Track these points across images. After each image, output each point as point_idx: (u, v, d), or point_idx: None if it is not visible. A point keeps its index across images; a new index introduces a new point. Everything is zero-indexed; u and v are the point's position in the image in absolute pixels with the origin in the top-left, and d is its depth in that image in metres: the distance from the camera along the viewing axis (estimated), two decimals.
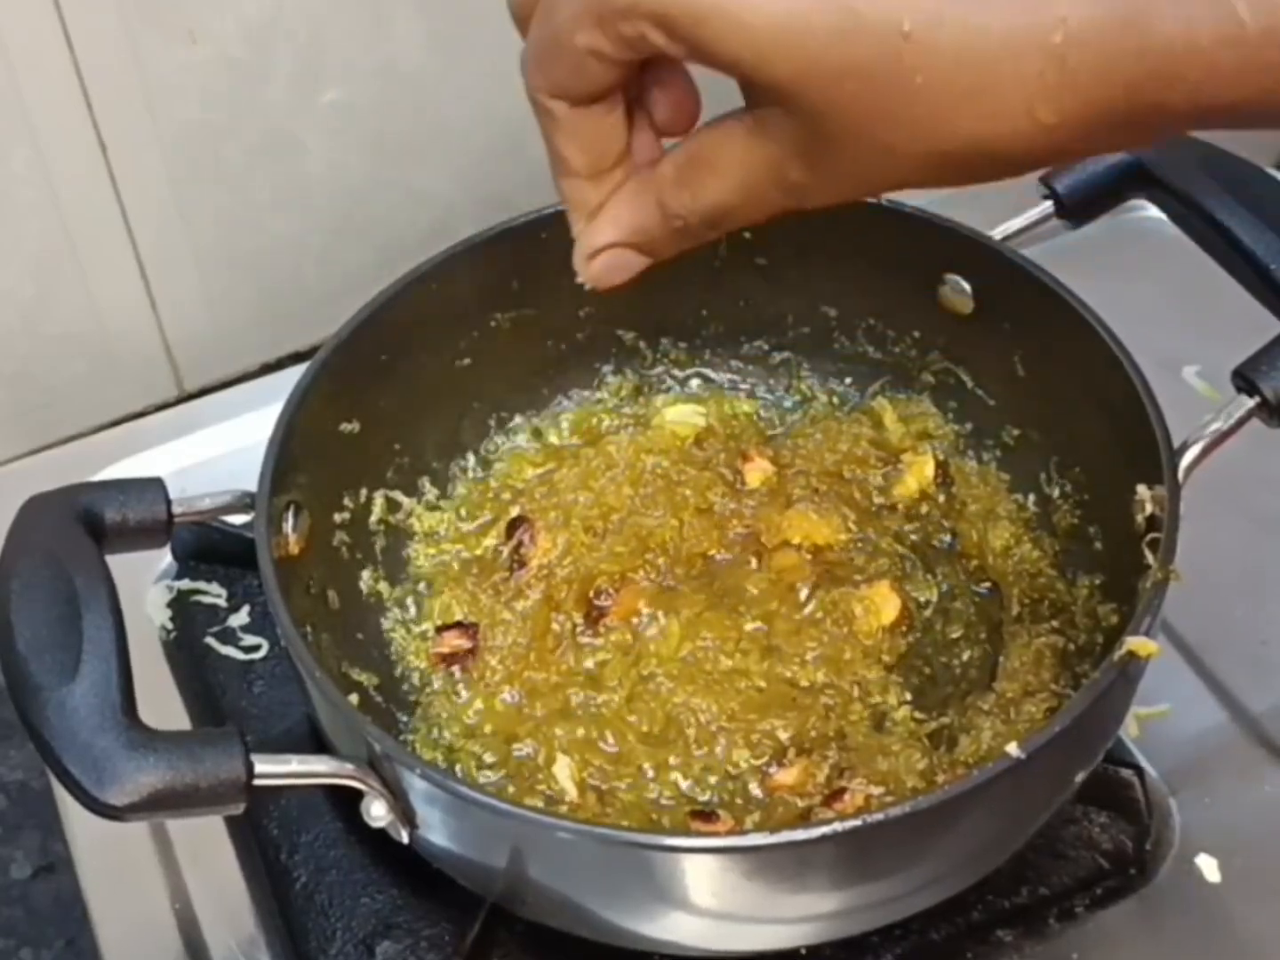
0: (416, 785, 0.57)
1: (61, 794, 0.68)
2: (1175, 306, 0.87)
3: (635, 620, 0.73)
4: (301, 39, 0.87)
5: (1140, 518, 0.65)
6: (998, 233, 0.74)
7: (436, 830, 0.59)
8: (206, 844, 0.71)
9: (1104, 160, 0.74)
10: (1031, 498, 0.75)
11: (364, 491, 0.74)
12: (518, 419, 0.81)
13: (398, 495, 0.76)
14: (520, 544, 0.75)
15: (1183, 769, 0.71)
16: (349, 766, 0.58)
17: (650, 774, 0.68)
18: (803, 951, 0.64)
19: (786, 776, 0.68)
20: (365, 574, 0.74)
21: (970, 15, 0.41)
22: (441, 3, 0.89)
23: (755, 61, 0.43)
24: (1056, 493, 0.74)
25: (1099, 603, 0.69)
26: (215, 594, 0.80)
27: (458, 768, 0.69)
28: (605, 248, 0.51)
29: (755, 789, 0.68)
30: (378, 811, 0.59)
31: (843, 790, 0.66)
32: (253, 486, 0.65)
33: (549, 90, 0.47)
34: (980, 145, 0.43)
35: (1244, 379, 0.66)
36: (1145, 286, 0.88)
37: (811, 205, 0.47)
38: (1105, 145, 0.45)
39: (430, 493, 0.78)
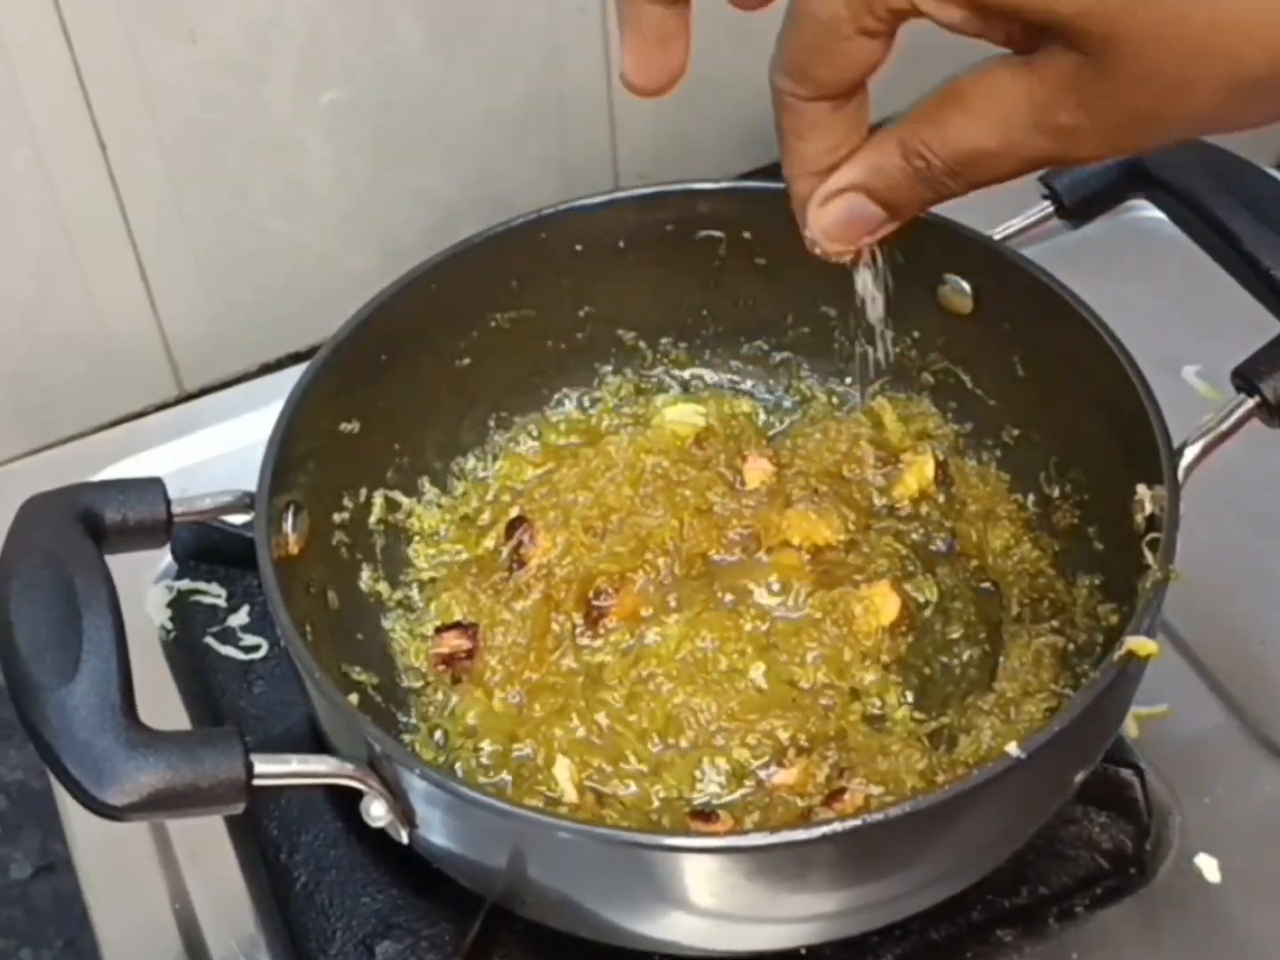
0: (416, 785, 0.57)
1: (61, 794, 0.68)
2: (1175, 306, 0.87)
3: (635, 620, 0.73)
4: (301, 39, 0.87)
5: (1140, 518, 0.65)
6: (997, 233, 0.74)
7: (436, 830, 0.59)
8: (206, 844, 0.71)
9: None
10: (1031, 498, 0.75)
11: (364, 491, 0.75)
12: (517, 419, 0.81)
13: (397, 495, 0.76)
14: (520, 544, 0.75)
15: (1183, 769, 0.71)
16: (349, 766, 0.58)
17: (650, 774, 0.68)
18: (803, 951, 0.64)
19: (786, 776, 0.68)
20: (365, 574, 0.74)
21: None
22: (441, 3, 0.89)
23: (1039, 1, 0.41)
24: (1056, 493, 0.74)
25: (1099, 603, 0.69)
26: (215, 594, 0.80)
27: (457, 767, 0.69)
28: (840, 191, 0.49)
29: (755, 789, 0.68)
30: (377, 811, 0.59)
31: (842, 790, 0.66)
32: (252, 486, 0.65)
33: (814, 92, 0.46)
34: None
35: (1244, 379, 0.66)
36: (1145, 286, 0.88)
37: (1078, 155, 0.44)
38: None
39: (430, 493, 0.78)
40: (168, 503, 0.64)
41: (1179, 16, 0.40)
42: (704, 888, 0.57)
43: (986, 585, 0.74)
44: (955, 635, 0.73)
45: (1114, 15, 0.40)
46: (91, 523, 0.62)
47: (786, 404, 0.82)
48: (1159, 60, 0.41)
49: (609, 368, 0.82)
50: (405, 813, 0.59)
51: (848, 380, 0.81)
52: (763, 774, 0.68)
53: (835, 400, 0.81)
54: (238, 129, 0.88)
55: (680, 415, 0.81)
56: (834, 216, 0.49)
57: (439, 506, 0.78)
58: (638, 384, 0.82)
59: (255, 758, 0.55)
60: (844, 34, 0.44)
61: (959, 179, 0.46)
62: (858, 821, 0.54)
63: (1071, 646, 0.70)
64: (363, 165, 0.93)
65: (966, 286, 0.74)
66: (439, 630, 0.73)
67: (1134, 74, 0.41)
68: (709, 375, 0.83)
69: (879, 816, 0.54)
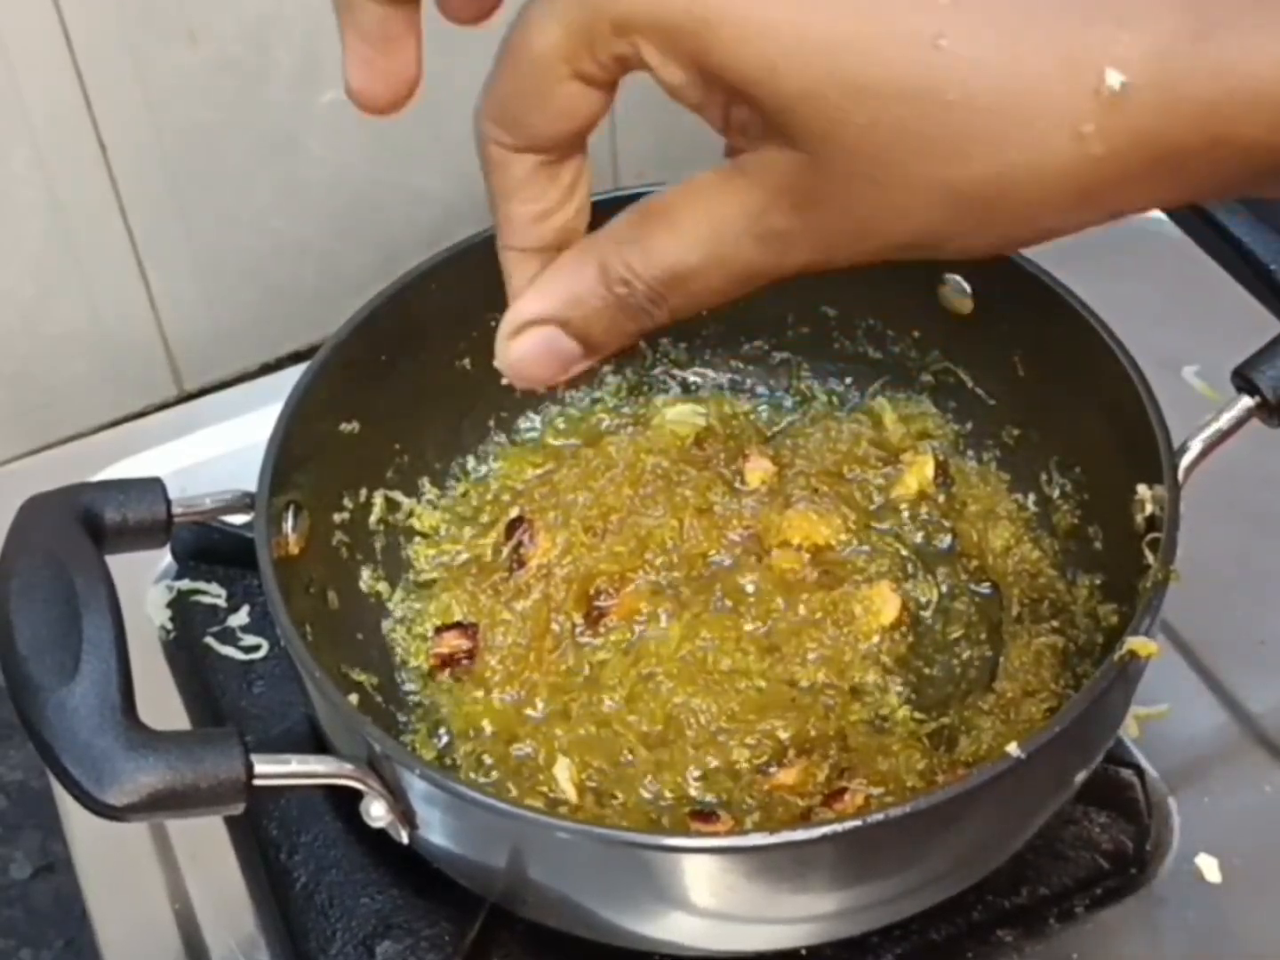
0: (416, 785, 0.57)
1: (61, 794, 0.68)
2: (1175, 306, 0.87)
3: (635, 620, 0.73)
4: (301, 39, 0.86)
5: (1140, 518, 0.65)
6: None
7: (436, 830, 0.59)
8: (206, 844, 0.71)
9: None
10: (1031, 498, 0.75)
11: (364, 491, 0.74)
12: (518, 419, 0.81)
13: (398, 495, 0.76)
14: (520, 544, 0.75)
15: (1183, 769, 0.71)
16: (348, 766, 0.58)
17: (650, 774, 0.68)
18: (803, 952, 0.64)
19: (786, 776, 0.68)
20: (365, 574, 0.74)
21: (1013, 31, 0.36)
22: None
23: (763, 75, 0.37)
24: (1056, 493, 0.74)
25: (1099, 603, 0.69)
26: (215, 594, 0.80)
27: (458, 760, 0.69)
28: (530, 323, 0.43)
29: (755, 789, 0.68)
30: (377, 812, 0.59)
31: (843, 790, 0.66)
32: (252, 486, 0.65)
33: (521, 142, 0.42)
34: (1012, 178, 0.37)
35: (1244, 379, 0.66)
36: (1145, 286, 0.87)
37: (790, 264, 0.40)
38: (1156, 194, 0.38)
39: (430, 493, 0.78)
40: (168, 503, 0.64)
41: (908, 109, 0.36)
42: (704, 888, 0.57)
43: (987, 585, 0.74)
44: (955, 635, 0.73)
45: (838, 102, 0.36)
46: (91, 523, 0.62)
47: (787, 404, 0.82)
48: (880, 157, 0.37)
49: (608, 367, 0.82)
50: (405, 813, 0.59)
51: (848, 380, 0.81)
52: (763, 774, 0.68)
53: (835, 400, 0.81)
54: (238, 129, 0.88)
55: (680, 415, 0.81)
56: (523, 350, 0.44)
57: (439, 506, 0.78)
58: (637, 384, 0.82)
59: (255, 758, 0.55)
60: (559, 75, 0.40)
61: (663, 305, 0.42)
62: (858, 822, 0.54)
63: (1072, 647, 0.70)
64: (362, 165, 0.93)
65: (967, 286, 0.74)
66: (439, 630, 0.73)
67: (850, 173, 0.38)
68: (709, 375, 0.83)
69: (879, 817, 0.54)
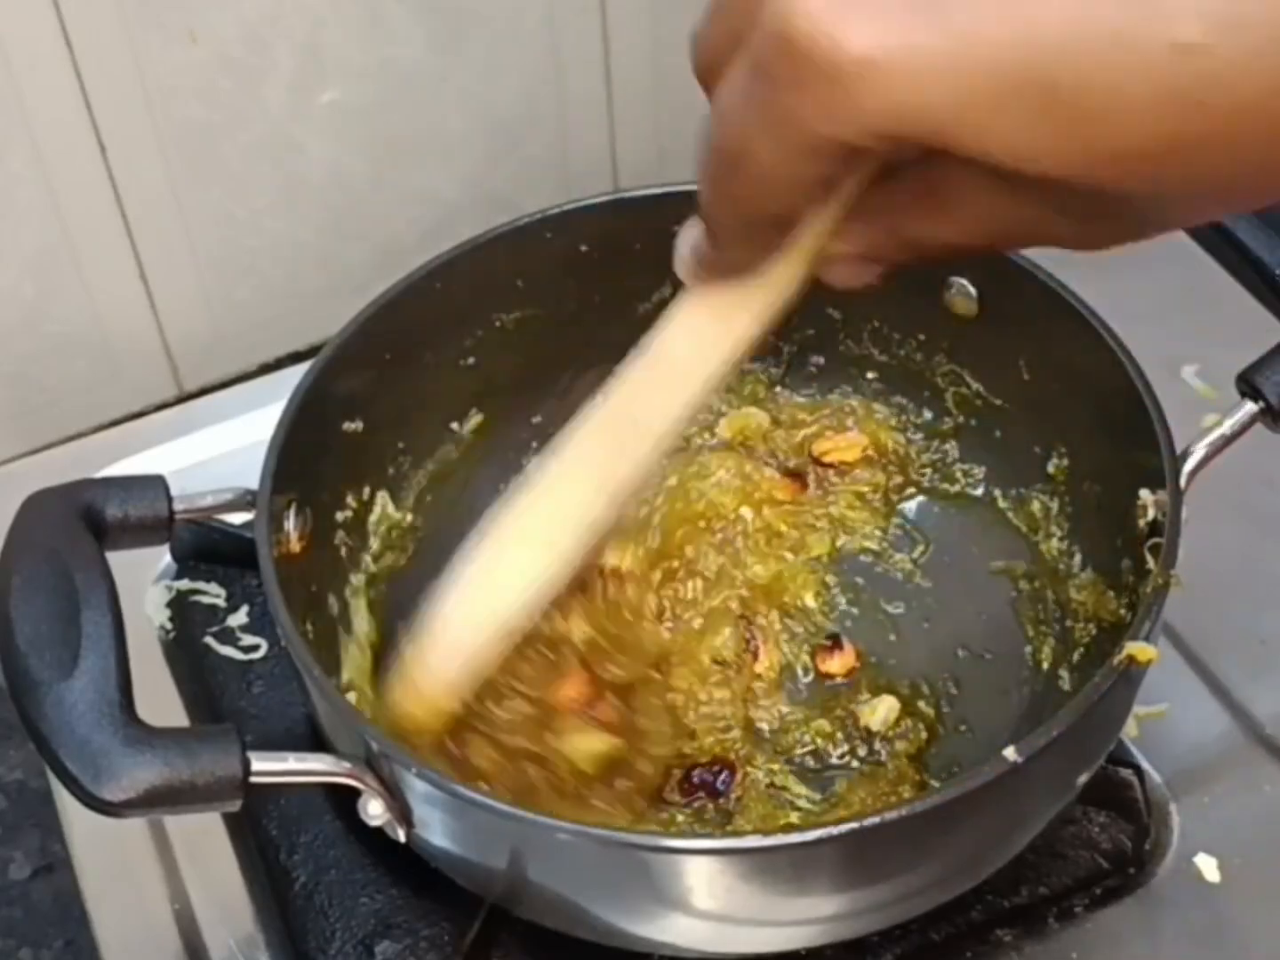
0: (414, 785, 0.57)
1: (61, 794, 0.68)
2: (1175, 306, 0.87)
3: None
4: (301, 39, 0.87)
5: (1143, 522, 0.65)
6: None
7: (434, 830, 0.59)
8: (206, 844, 0.71)
9: None
10: (1034, 499, 0.75)
11: (366, 490, 0.74)
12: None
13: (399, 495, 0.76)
14: None
15: (1182, 769, 0.71)
16: (346, 765, 0.58)
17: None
18: (802, 953, 0.64)
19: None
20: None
21: None
22: (441, 3, 0.89)
23: (1029, 160, 0.39)
24: (1059, 493, 0.74)
25: (1100, 605, 0.69)
26: (214, 594, 0.80)
27: None
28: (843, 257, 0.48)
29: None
30: (375, 810, 0.59)
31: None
32: (253, 486, 0.65)
33: (735, 214, 0.45)
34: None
35: (1248, 384, 0.66)
36: (1145, 286, 0.87)
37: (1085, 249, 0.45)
38: (1236, 160, 0.39)
39: None
40: (169, 500, 0.64)
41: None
42: (702, 889, 0.57)
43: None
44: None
45: (1129, 178, 0.39)
46: (93, 519, 0.62)
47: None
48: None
49: (615, 368, 0.82)
50: (403, 812, 0.59)
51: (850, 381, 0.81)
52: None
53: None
54: (237, 129, 0.88)
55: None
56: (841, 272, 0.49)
57: None
58: None
59: (252, 755, 0.55)
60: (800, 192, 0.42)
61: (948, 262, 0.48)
62: (854, 825, 0.54)
63: (1074, 649, 0.70)
64: (362, 165, 0.93)
65: (972, 290, 0.74)
66: None
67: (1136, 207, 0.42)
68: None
69: (875, 820, 0.54)
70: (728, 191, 0.44)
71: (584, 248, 0.76)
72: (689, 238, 0.49)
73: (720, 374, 0.54)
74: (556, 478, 0.58)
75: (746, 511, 0.77)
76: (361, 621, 0.72)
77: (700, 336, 0.54)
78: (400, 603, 0.75)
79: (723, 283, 0.50)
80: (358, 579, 0.73)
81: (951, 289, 0.75)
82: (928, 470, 0.79)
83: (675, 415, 0.56)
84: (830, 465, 0.79)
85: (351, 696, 0.65)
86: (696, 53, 0.44)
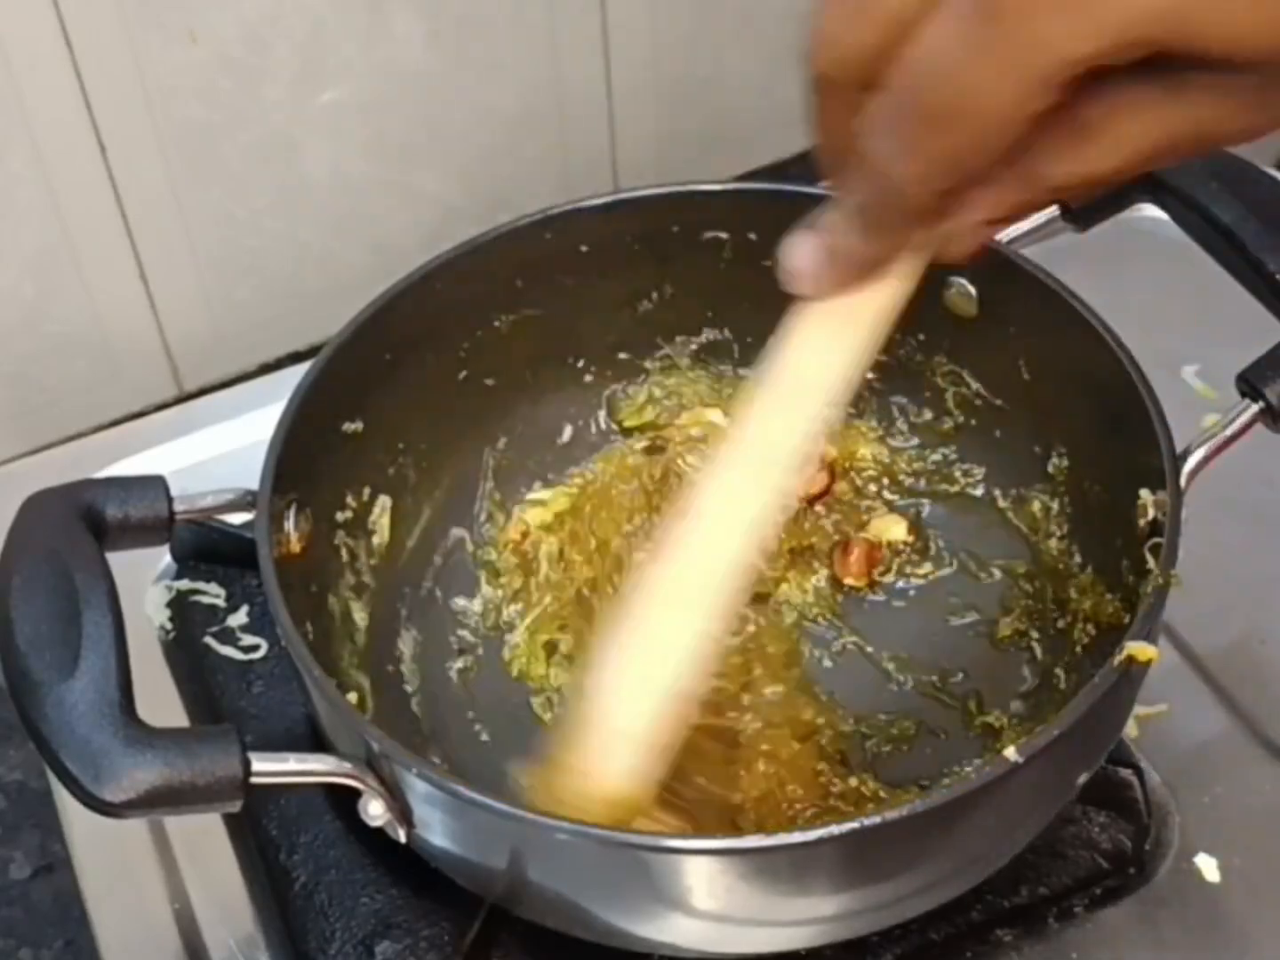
0: (414, 785, 0.57)
1: (61, 794, 0.68)
2: (1175, 306, 0.87)
3: None
4: (301, 39, 0.87)
5: (1143, 522, 0.65)
6: (1003, 235, 0.74)
7: (434, 830, 0.59)
8: (206, 844, 0.71)
9: None
10: (1034, 499, 0.75)
11: (366, 491, 0.74)
12: None
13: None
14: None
15: (1182, 769, 0.71)
16: (346, 765, 0.58)
17: None
18: (802, 953, 0.64)
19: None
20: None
21: None
22: (441, 3, 0.89)
23: (1243, 41, 0.39)
24: (1059, 494, 0.74)
25: (1099, 605, 0.69)
26: (214, 594, 0.79)
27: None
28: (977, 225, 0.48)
29: None
30: (375, 810, 0.59)
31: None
32: (253, 486, 0.65)
33: (941, 176, 0.44)
34: None
35: (1248, 384, 0.66)
36: (1145, 286, 0.87)
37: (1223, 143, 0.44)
38: None
39: None
40: (169, 500, 0.64)
41: None
42: (702, 889, 0.57)
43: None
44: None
45: None
46: (93, 520, 0.62)
47: None
48: None
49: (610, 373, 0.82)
50: (403, 812, 0.59)
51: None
52: None
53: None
54: (237, 129, 0.88)
55: (697, 419, 0.81)
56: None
57: None
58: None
59: (252, 755, 0.55)
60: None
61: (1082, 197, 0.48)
62: (854, 825, 0.54)
63: (1074, 649, 0.70)
64: (362, 165, 0.93)
65: (972, 290, 0.74)
66: None
67: None
68: (715, 376, 0.82)
69: (875, 820, 0.54)
70: (936, 153, 0.43)
71: (584, 248, 0.76)
72: (806, 247, 0.49)
73: (850, 385, 0.53)
74: (698, 524, 0.55)
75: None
76: (362, 621, 0.72)
77: (827, 350, 0.53)
78: (400, 602, 0.75)
79: (853, 288, 0.50)
80: (358, 579, 0.73)
81: (951, 289, 0.75)
82: (921, 477, 0.79)
83: (806, 434, 0.54)
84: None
85: (351, 697, 0.65)
86: (843, 49, 0.44)
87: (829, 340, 0.53)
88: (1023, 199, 0.46)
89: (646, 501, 0.77)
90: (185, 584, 0.80)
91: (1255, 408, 0.66)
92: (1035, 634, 0.72)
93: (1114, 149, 0.44)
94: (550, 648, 0.75)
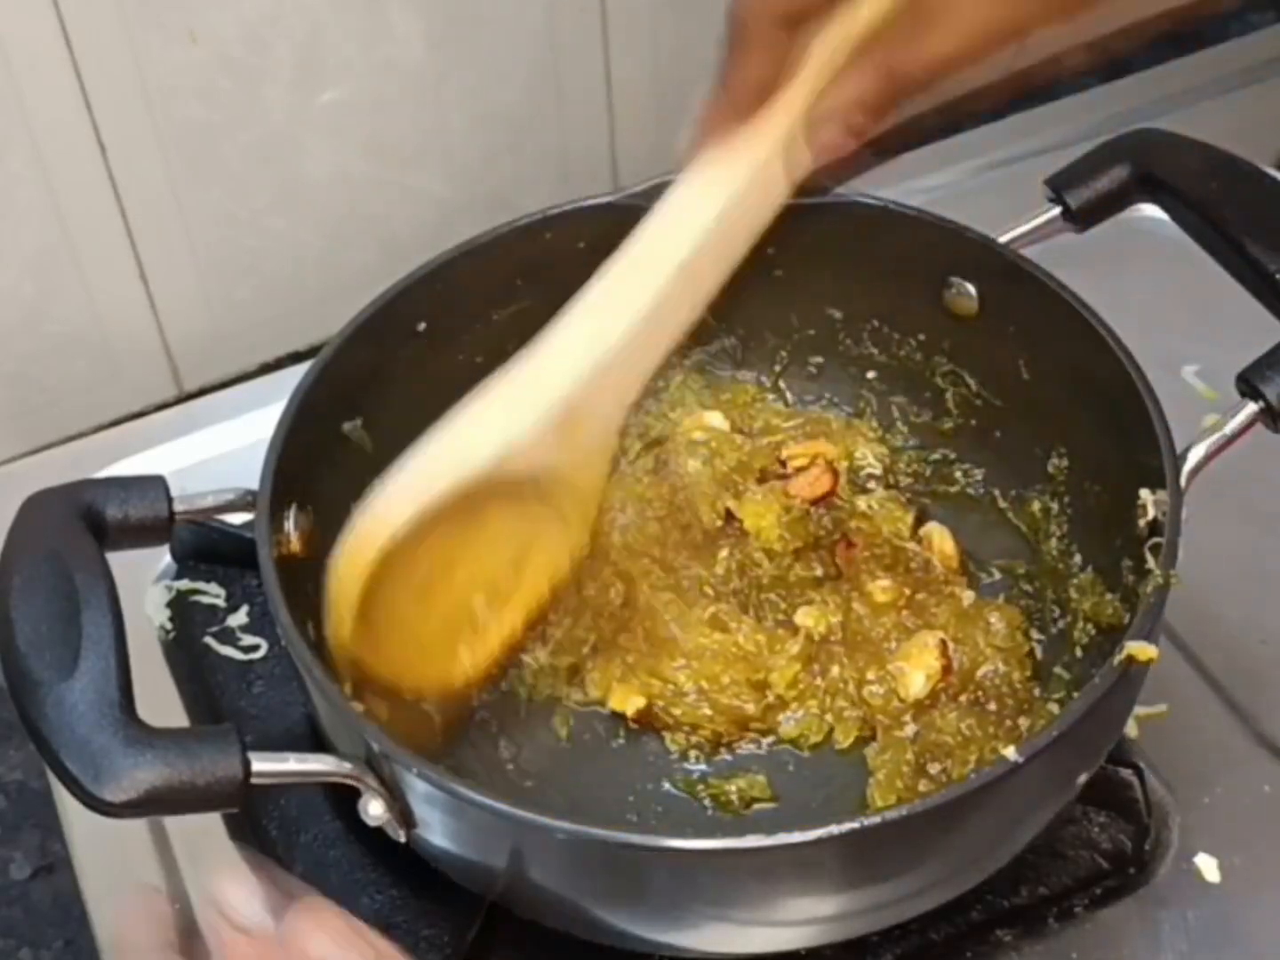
0: (414, 785, 0.57)
1: (61, 794, 0.68)
2: (1175, 306, 0.87)
3: None
4: (301, 39, 0.87)
5: (1143, 522, 0.65)
6: (1003, 236, 0.74)
7: (434, 830, 0.59)
8: (206, 844, 0.71)
9: (1111, 167, 0.74)
10: (1034, 499, 0.75)
11: (366, 490, 0.74)
12: None
13: None
14: None
15: (1182, 769, 0.71)
16: (346, 765, 0.58)
17: None
18: (802, 952, 0.64)
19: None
20: None
21: None
22: (441, 3, 0.89)
23: None
24: (1059, 494, 0.74)
25: (1099, 605, 0.69)
26: (214, 594, 0.79)
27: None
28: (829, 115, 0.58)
29: None
30: (375, 810, 0.59)
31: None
32: (253, 486, 0.65)
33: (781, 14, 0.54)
34: None
35: (1248, 384, 0.66)
36: (1145, 286, 0.88)
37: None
38: None
39: None
40: (169, 500, 0.65)
41: None
42: (702, 889, 0.57)
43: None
44: None
45: None
46: (93, 520, 0.62)
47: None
48: None
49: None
50: (403, 812, 0.59)
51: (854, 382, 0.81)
52: None
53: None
54: (237, 129, 0.88)
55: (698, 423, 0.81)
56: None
57: None
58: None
59: (252, 755, 0.55)
60: None
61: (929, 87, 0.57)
62: (854, 824, 0.54)
63: (1074, 649, 0.70)
64: (362, 165, 0.93)
65: (972, 290, 0.74)
66: None
67: None
68: (715, 375, 0.82)
69: (875, 820, 0.54)
70: None
71: (583, 246, 0.76)
72: (696, 115, 0.57)
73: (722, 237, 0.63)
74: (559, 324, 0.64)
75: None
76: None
77: (705, 195, 0.63)
78: None
79: (734, 124, 0.59)
80: None
81: (951, 289, 0.75)
82: (921, 477, 0.79)
83: (682, 261, 0.64)
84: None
85: None
86: None
87: (710, 187, 0.62)
88: (876, 86, 0.55)
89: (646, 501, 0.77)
90: (185, 584, 0.80)
91: (1255, 408, 0.66)
92: (1035, 634, 0.72)
93: (951, 34, 0.54)
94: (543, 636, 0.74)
